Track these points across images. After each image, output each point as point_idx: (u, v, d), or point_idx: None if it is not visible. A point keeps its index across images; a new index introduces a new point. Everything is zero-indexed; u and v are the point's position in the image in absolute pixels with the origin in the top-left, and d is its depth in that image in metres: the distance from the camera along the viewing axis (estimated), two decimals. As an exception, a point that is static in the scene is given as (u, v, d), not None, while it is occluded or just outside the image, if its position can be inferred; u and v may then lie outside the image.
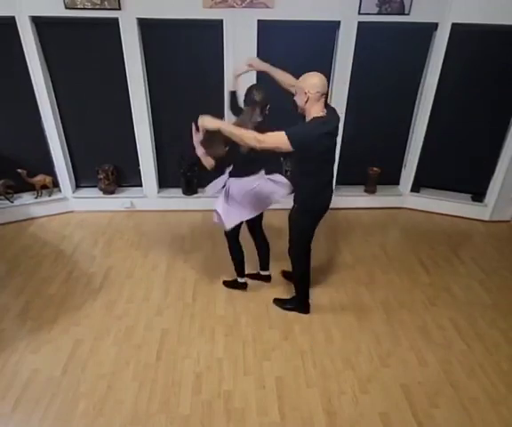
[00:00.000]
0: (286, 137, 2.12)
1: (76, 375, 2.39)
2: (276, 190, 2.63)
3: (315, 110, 2.23)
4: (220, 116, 3.93)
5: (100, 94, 3.85)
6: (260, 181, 2.59)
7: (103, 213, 4.20)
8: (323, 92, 2.21)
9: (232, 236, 2.81)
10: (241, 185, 2.55)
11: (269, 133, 2.16)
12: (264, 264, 3.14)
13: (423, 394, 2.32)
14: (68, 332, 2.70)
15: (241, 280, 3.09)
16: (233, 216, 2.57)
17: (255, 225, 2.90)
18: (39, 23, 3.44)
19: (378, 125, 4.13)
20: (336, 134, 2.35)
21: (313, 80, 2.20)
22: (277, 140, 2.15)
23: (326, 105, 2.31)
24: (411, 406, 2.25)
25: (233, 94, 2.73)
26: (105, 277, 3.26)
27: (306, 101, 2.22)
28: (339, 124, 2.35)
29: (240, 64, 2.69)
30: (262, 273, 3.17)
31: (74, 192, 4.23)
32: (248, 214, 2.61)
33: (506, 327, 2.82)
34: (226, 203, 2.57)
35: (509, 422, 2.19)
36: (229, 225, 2.56)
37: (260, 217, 2.84)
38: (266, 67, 2.62)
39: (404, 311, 2.95)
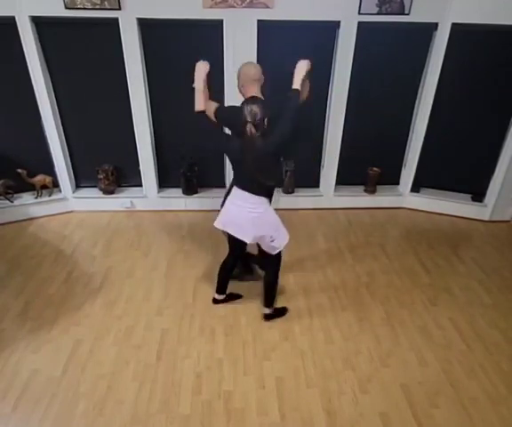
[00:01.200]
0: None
1: (76, 375, 2.39)
2: None
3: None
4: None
5: (100, 94, 3.85)
6: None
7: (103, 213, 4.20)
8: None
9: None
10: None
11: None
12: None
13: (423, 394, 2.32)
14: (68, 332, 2.70)
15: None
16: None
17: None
18: (39, 23, 3.44)
19: (378, 125, 4.13)
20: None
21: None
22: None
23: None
24: (411, 406, 2.25)
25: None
26: (105, 277, 3.26)
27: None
28: None
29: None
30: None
31: (74, 192, 4.23)
32: None
33: (506, 327, 2.82)
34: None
35: (509, 422, 2.19)
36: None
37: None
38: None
39: (404, 311, 2.95)
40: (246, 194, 2.37)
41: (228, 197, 2.51)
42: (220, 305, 2.96)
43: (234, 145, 2.31)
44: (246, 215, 2.40)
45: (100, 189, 4.23)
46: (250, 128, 2.18)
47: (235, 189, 2.46)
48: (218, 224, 2.54)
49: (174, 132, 4.08)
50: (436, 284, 3.26)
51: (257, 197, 2.37)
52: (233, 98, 3.67)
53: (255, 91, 2.51)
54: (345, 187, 4.43)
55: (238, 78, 2.56)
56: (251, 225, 2.40)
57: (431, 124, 4.00)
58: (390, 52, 3.77)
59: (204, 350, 2.58)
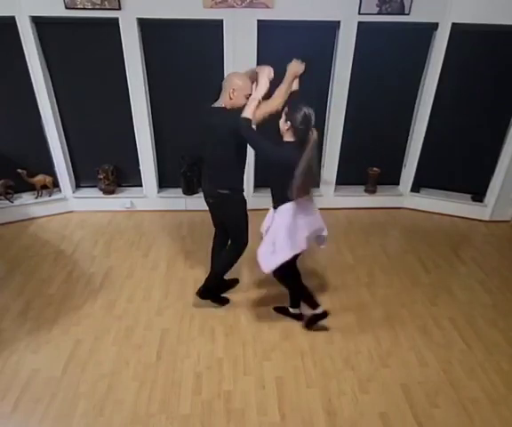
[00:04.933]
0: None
1: (76, 375, 2.39)
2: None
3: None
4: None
5: (100, 94, 3.85)
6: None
7: (103, 213, 4.20)
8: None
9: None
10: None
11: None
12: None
13: (423, 394, 2.32)
14: (68, 332, 2.71)
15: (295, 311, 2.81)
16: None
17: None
18: (39, 23, 3.44)
19: (378, 125, 4.13)
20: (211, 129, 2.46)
21: None
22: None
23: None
24: (411, 407, 2.25)
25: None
26: (105, 277, 3.26)
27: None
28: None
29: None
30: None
31: (74, 192, 4.23)
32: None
33: (506, 327, 2.82)
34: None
35: (509, 422, 2.19)
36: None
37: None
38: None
39: (404, 311, 2.95)
40: None
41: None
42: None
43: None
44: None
45: (100, 189, 4.23)
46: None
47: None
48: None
49: (174, 133, 4.08)
50: (436, 284, 3.26)
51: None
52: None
53: (223, 98, 2.39)
54: (345, 187, 4.43)
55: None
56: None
57: (431, 125, 4.00)
58: (390, 52, 3.77)
59: (203, 350, 2.58)
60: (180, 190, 4.32)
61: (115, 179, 4.21)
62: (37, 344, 2.60)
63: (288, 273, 2.55)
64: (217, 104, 2.43)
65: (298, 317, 2.80)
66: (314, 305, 2.63)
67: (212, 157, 2.52)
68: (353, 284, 3.23)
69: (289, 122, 2.19)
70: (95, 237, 3.81)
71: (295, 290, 2.69)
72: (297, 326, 2.79)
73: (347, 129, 4.02)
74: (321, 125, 4.09)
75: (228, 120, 2.31)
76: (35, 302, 2.96)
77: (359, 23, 3.54)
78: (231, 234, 2.73)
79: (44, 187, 4.07)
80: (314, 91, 3.92)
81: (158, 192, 4.29)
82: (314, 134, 2.20)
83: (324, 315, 2.65)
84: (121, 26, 3.45)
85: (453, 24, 3.53)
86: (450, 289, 3.20)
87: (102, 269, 3.36)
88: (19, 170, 3.86)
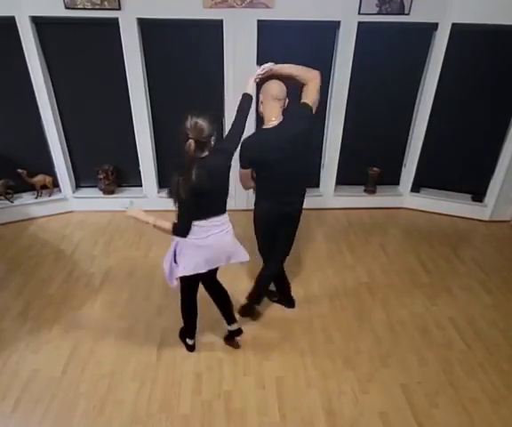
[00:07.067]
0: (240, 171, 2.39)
1: (76, 375, 2.39)
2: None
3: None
4: (221, 116, 3.93)
5: (100, 94, 3.85)
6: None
7: (103, 213, 4.20)
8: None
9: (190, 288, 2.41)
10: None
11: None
12: (229, 317, 2.53)
13: (423, 394, 2.32)
14: (68, 332, 2.71)
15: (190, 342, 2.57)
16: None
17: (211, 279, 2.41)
18: (39, 23, 3.44)
19: (378, 125, 4.13)
20: (282, 147, 2.24)
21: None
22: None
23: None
24: (411, 407, 2.25)
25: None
26: (105, 277, 3.26)
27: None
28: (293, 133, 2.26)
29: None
30: (230, 328, 2.55)
31: (74, 192, 4.23)
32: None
33: (506, 327, 2.82)
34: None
35: (509, 422, 2.19)
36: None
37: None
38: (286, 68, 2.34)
39: (404, 311, 2.95)
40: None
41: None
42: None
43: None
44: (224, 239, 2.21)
45: (100, 189, 4.22)
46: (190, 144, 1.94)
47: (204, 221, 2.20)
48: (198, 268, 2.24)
49: (174, 133, 4.07)
50: (436, 284, 3.26)
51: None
52: (232, 99, 3.68)
53: (276, 112, 2.27)
54: (345, 187, 4.43)
55: (261, 94, 2.33)
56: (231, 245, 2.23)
57: (431, 124, 4.00)
58: (390, 52, 3.77)
59: (204, 350, 2.58)
60: (179, 190, 4.30)
61: (115, 179, 4.21)
62: (37, 344, 2.60)
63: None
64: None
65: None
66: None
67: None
68: (353, 284, 3.23)
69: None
70: (95, 237, 3.81)
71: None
72: (297, 326, 2.79)
73: (347, 129, 4.02)
74: (321, 125, 4.09)
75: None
76: (35, 302, 2.96)
77: (359, 23, 3.54)
78: (290, 247, 2.67)
79: (44, 187, 4.07)
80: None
81: (158, 192, 4.29)
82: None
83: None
84: (121, 26, 3.45)
85: (453, 24, 3.53)
86: (450, 289, 3.20)
87: (102, 269, 3.35)
88: (19, 170, 3.86)
